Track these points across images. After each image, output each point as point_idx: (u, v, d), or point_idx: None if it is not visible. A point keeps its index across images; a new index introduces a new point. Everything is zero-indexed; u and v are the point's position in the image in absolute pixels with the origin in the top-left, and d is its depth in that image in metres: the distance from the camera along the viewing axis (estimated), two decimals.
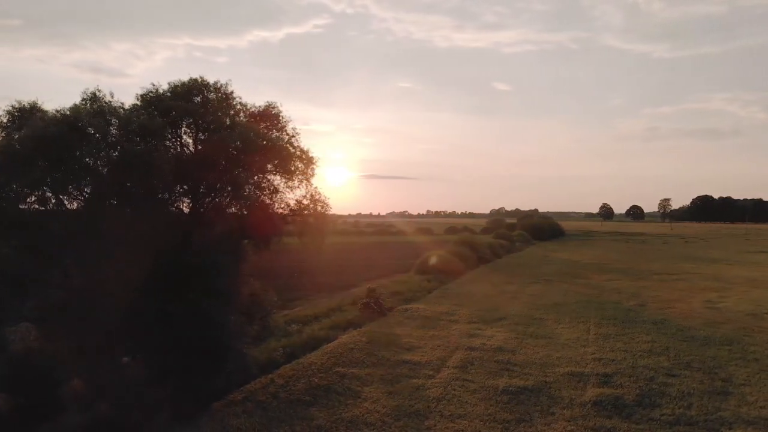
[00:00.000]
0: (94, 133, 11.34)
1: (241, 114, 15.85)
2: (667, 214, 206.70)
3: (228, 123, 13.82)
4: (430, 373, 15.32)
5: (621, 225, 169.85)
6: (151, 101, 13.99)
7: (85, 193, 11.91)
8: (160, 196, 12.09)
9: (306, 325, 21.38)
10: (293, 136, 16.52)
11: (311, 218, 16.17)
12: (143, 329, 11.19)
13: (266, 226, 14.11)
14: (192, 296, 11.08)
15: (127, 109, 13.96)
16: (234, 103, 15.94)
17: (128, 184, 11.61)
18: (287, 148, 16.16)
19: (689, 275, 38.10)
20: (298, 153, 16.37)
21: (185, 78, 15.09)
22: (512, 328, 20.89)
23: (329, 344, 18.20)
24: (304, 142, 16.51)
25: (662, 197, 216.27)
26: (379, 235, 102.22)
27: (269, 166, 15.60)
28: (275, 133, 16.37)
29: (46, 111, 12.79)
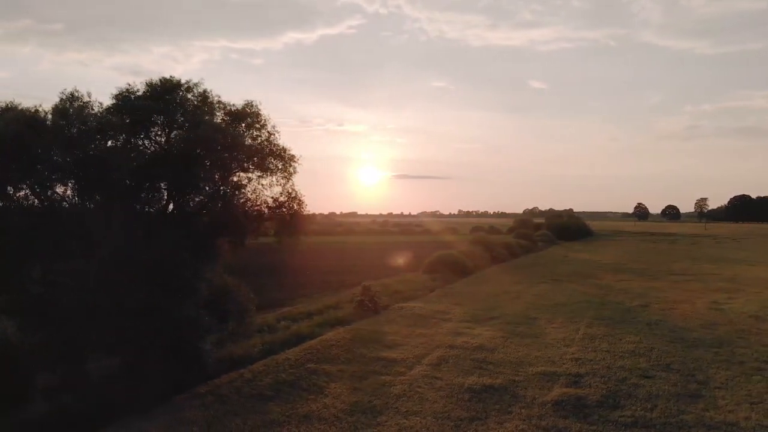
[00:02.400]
0: (54, 132, 11.67)
1: (219, 113, 16.16)
2: (703, 214, 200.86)
3: (197, 122, 14.03)
4: (402, 370, 15.31)
5: (655, 225, 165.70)
6: (125, 100, 14.38)
7: (50, 191, 12.30)
8: (121, 193, 12.35)
9: (296, 322, 21.55)
10: (272, 134, 16.74)
11: (288, 216, 16.36)
12: (103, 324, 11.49)
13: (235, 224, 14.29)
14: (148, 292, 11.32)
15: (105, 109, 14.43)
16: (213, 101, 16.27)
17: (88, 182, 11.92)
18: (264, 146, 16.41)
19: (706, 276, 37.04)
20: (276, 151, 16.61)
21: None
22: (502, 327, 20.69)
23: (311, 341, 18.34)
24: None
25: (702, 197, 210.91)
26: (402, 235, 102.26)
27: (245, 164, 15.88)
28: (254, 132, 16.62)
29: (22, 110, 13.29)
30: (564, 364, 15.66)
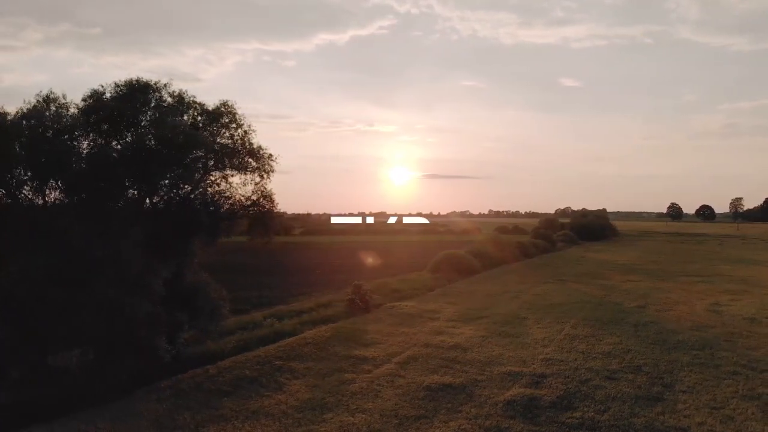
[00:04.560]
0: (16, 133, 12.06)
1: (192, 112, 16.45)
2: (738, 213, 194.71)
3: (152, 121, 14.30)
4: (369, 368, 15.33)
5: (686, 225, 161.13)
6: (95, 101, 14.75)
7: (14, 189, 12.71)
8: (81, 191, 12.67)
9: (283, 319, 21.68)
10: (248, 133, 16.97)
11: (258, 215, 16.56)
12: (58, 318, 11.81)
13: (200, 223, 14.48)
14: (101, 287, 11.60)
15: (80, 110, 14.84)
16: (189, 101, 16.57)
17: (48, 180, 12.28)
18: (238, 144, 16.65)
19: (719, 277, 36.00)
20: (251, 150, 16.84)
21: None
22: (487, 326, 20.52)
23: (289, 338, 18.47)
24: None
25: (737, 197, 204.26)
26: (424, 234, 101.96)
27: (214, 163, 16.14)
28: (230, 131, 16.87)
29: None
30: (533, 364, 15.46)
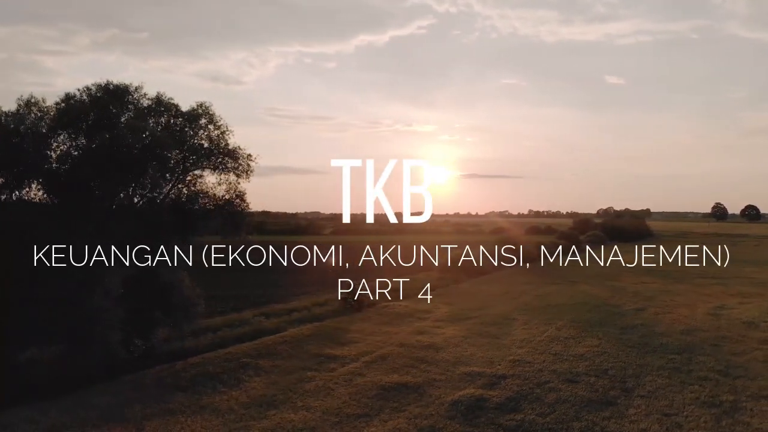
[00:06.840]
0: None
1: (165, 115, 16.91)
2: None
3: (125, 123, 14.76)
4: (335, 367, 15.45)
5: (728, 226, 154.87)
6: (68, 105, 15.32)
7: None
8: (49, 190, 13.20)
9: (273, 317, 21.96)
10: (224, 134, 17.35)
11: (230, 214, 16.90)
12: (15, 314, 12.34)
13: (163, 223, 14.87)
14: (50, 282, 12.07)
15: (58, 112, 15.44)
16: (168, 103, 17.04)
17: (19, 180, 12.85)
18: (213, 144, 17.06)
19: (737, 279, 34.74)
20: (227, 150, 17.22)
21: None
22: (471, 327, 20.39)
23: (268, 336, 18.75)
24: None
25: None
26: (452, 234, 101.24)
27: (189, 162, 16.56)
28: (207, 132, 17.29)
29: None
30: (499, 365, 15.30)
